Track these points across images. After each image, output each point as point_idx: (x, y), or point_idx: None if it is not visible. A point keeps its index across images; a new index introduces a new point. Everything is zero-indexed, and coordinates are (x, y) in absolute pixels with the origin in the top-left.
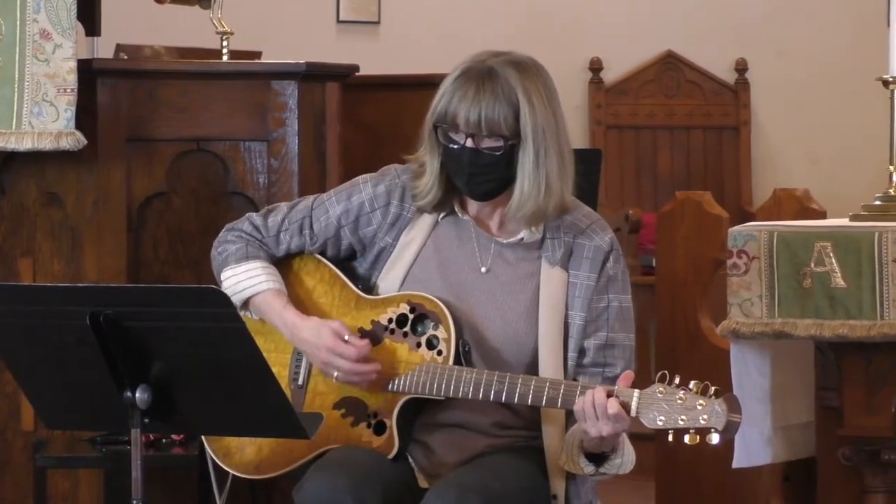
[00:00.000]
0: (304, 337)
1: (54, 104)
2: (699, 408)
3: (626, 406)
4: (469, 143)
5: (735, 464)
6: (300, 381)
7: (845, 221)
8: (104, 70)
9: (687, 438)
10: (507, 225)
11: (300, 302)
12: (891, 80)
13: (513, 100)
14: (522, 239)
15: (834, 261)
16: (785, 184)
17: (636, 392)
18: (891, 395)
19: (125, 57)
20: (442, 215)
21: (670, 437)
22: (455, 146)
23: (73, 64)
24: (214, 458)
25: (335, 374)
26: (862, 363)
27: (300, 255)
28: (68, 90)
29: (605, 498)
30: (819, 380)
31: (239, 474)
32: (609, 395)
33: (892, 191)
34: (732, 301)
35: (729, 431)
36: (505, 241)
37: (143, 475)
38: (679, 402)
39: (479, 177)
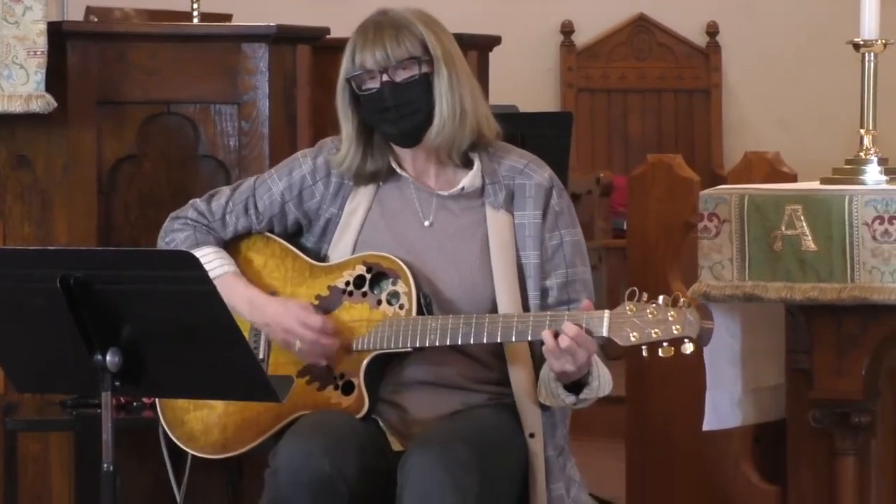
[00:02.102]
0: (269, 311)
1: (24, 67)
2: (671, 319)
3: (593, 331)
4: (385, 77)
5: (705, 426)
6: (261, 355)
7: (816, 185)
8: (74, 33)
9: (661, 352)
10: (444, 175)
11: (254, 280)
12: (862, 43)
13: (414, 31)
14: (463, 189)
15: (804, 224)
16: (756, 147)
17: (606, 312)
18: (861, 358)
19: (95, 19)
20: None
21: (645, 353)
22: (372, 90)
23: (42, 26)
24: (178, 443)
25: (297, 345)
26: (832, 326)
27: (248, 234)
28: (38, 52)
29: (576, 459)
30: (789, 342)
31: (206, 456)
32: (577, 323)
33: (862, 154)
34: (703, 264)
35: (703, 339)
36: (446, 194)
37: (113, 438)
38: (650, 315)
39: (402, 109)
